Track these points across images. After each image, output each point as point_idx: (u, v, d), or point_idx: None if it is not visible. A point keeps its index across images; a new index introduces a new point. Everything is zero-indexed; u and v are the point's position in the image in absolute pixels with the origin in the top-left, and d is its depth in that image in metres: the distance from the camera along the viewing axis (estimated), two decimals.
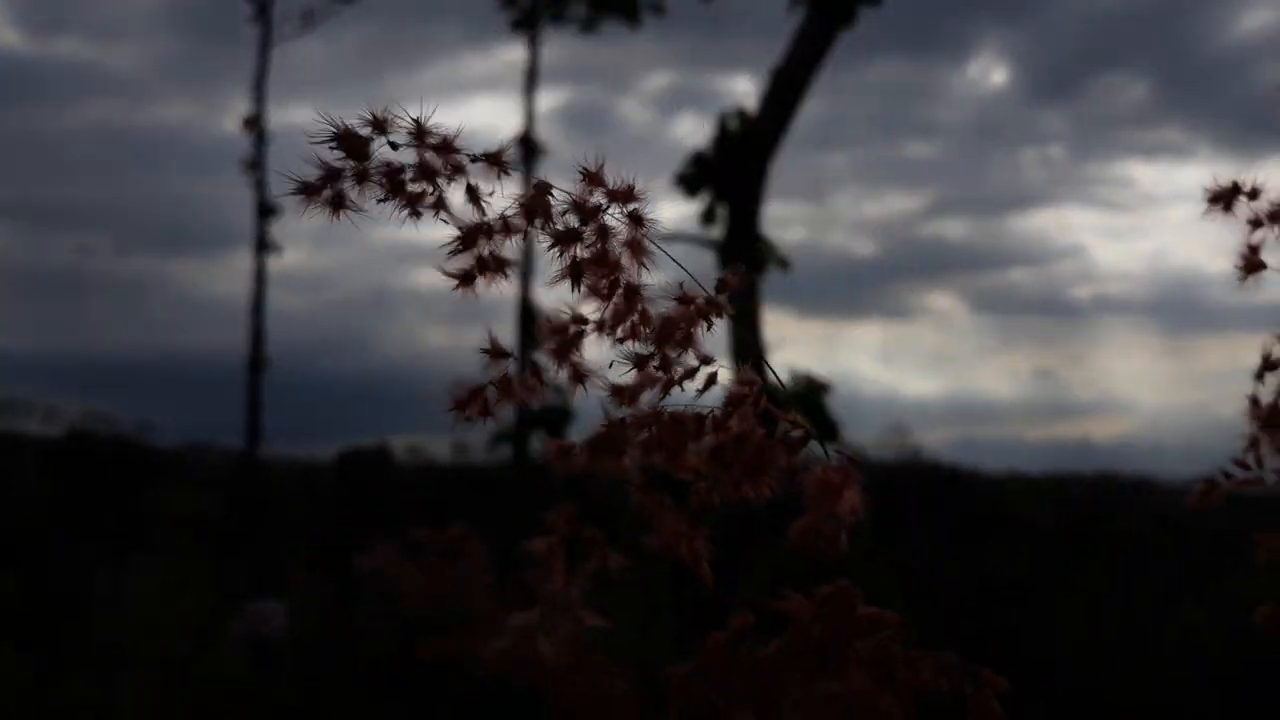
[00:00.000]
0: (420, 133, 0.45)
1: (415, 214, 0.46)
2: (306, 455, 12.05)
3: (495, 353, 0.50)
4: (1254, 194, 0.57)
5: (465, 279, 0.48)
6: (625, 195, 0.47)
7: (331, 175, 0.43)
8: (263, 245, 5.40)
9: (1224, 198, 0.61)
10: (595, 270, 0.47)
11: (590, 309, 0.48)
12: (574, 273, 0.47)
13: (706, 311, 0.49)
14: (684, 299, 0.48)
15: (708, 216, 4.01)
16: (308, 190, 0.43)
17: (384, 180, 0.44)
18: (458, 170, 0.47)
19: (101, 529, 8.12)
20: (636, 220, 0.47)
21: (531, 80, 5.70)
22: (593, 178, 0.46)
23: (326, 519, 8.83)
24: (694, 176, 4.03)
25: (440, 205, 0.45)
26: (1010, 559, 6.02)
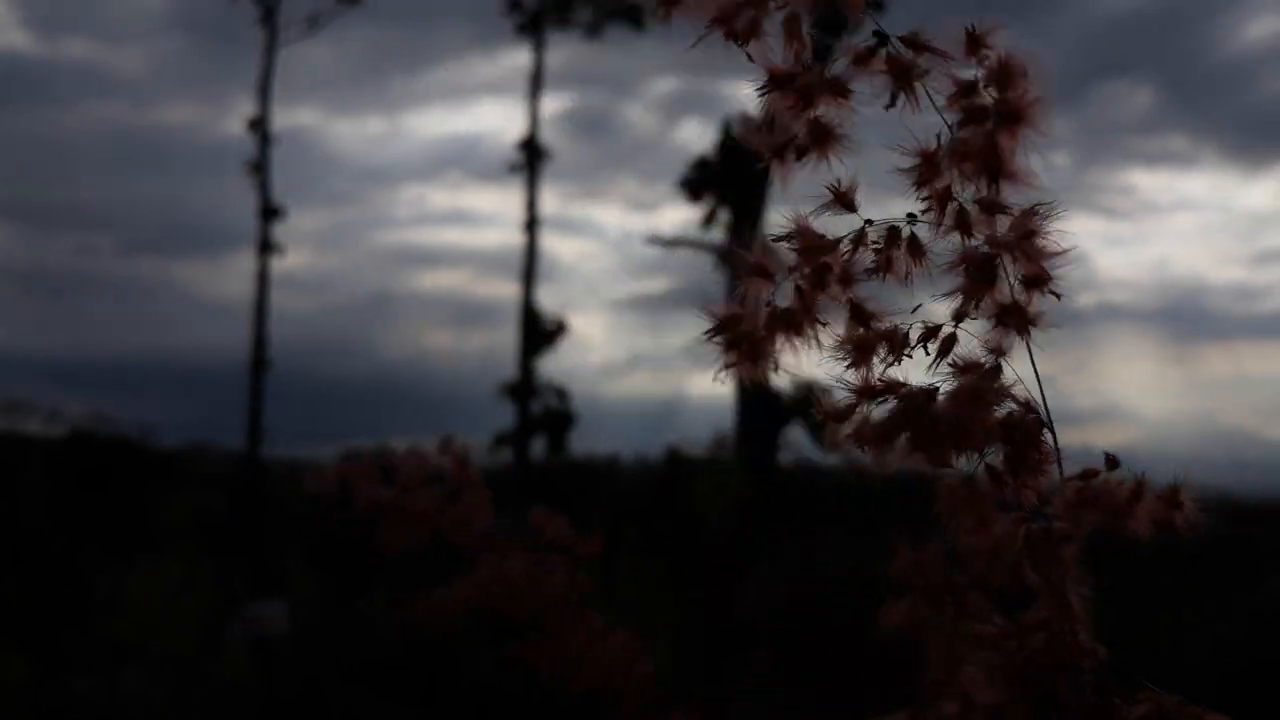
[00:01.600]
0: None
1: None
2: (308, 456, 12.06)
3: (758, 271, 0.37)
4: None
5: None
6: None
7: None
8: (266, 247, 5.41)
9: None
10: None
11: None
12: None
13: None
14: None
15: (710, 221, 4.01)
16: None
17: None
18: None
19: (104, 529, 8.13)
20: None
21: (536, 84, 5.72)
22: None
23: (328, 520, 8.83)
24: (697, 181, 4.04)
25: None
26: None
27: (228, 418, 5.33)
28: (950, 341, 0.38)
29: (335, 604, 6.59)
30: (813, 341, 0.38)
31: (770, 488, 3.60)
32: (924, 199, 0.37)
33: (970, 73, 0.36)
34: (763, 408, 3.61)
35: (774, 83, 0.35)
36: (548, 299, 6.33)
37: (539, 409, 5.59)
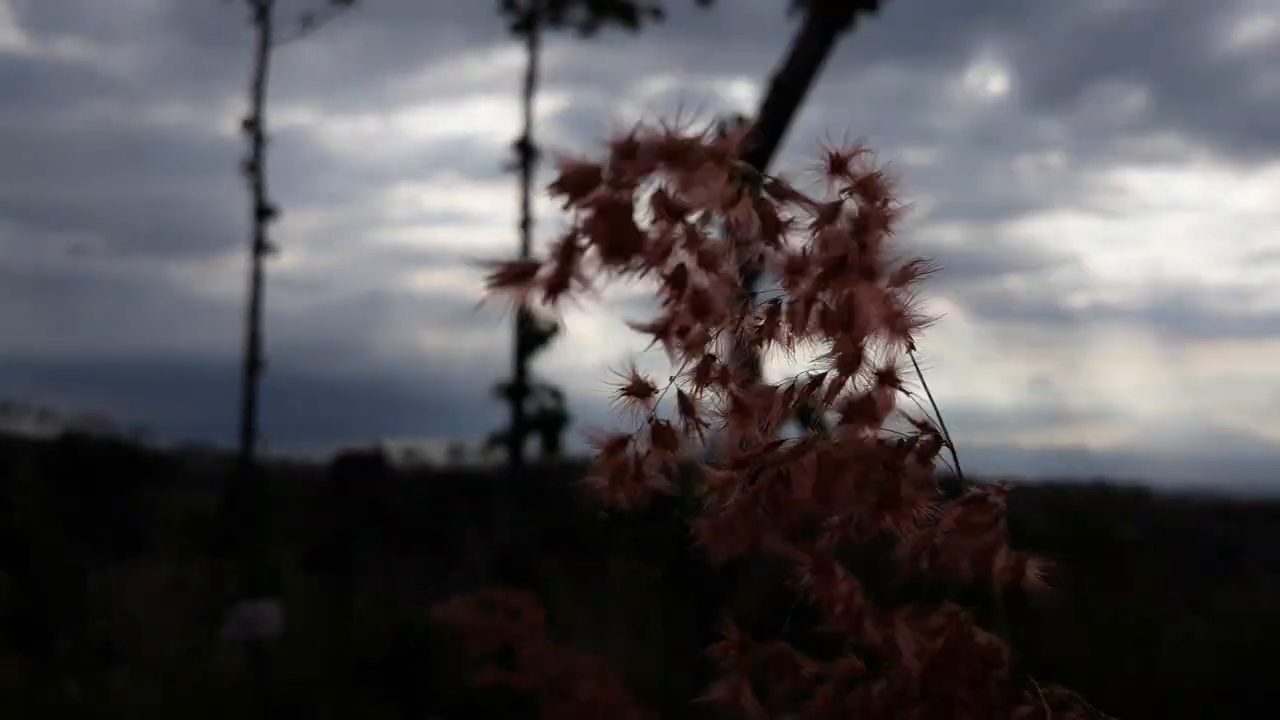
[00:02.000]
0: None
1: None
2: (303, 457, 12.06)
3: (636, 391, 0.40)
4: None
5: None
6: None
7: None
8: (260, 247, 5.39)
9: None
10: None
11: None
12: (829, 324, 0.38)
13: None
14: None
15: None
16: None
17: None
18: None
19: (96, 530, 8.11)
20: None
21: (531, 84, 5.71)
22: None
23: (322, 521, 8.82)
24: None
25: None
26: None
27: (221, 418, 5.31)
28: (837, 386, 0.40)
29: (328, 605, 6.58)
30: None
31: None
32: (791, 301, 0.39)
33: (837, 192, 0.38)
34: None
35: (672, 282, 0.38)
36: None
37: (533, 409, 5.58)
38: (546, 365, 5.63)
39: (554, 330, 5.71)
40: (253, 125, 5.37)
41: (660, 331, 0.39)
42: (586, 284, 0.35)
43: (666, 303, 0.38)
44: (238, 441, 5.20)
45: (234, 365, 5.23)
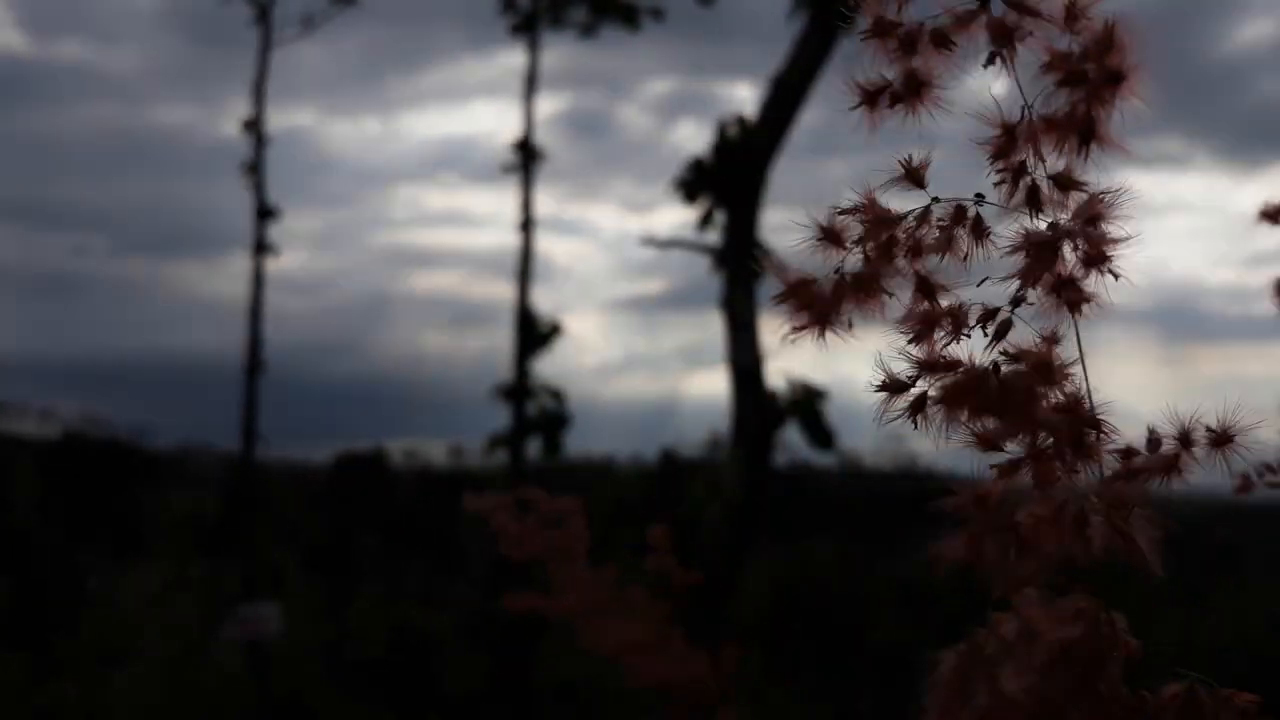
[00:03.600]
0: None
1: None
2: (303, 458, 12.05)
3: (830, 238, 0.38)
4: None
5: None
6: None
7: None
8: (261, 248, 5.38)
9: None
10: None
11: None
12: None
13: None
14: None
15: (706, 222, 4.00)
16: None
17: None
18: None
19: (96, 531, 8.10)
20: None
21: (531, 85, 5.70)
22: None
23: (322, 522, 8.81)
24: (693, 182, 4.03)
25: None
26: None
27: (221, 419, 5.31)
28: (1006, 326, 0.37)
29: (328, 606, 6.57)
30: (880, 310, 0.38)
31: (764, 489, 3.59)
32: (999, 172, 0.37)
33: (1066, 43, 0.36)
34: (758, 409, 3.59)
35: (878, 28, 0.35)
36: (543, 300, 6.31)
37: (534, 410, 5.57)
38: (547, 366, 5.63)
39: (554, 331, 5.70)
40: (253, 126, 5.37)
41: (870, 97, 0.36)
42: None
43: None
44: (238, 442, 5.20)
45: (234, 366, 5.22)
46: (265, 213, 5.41)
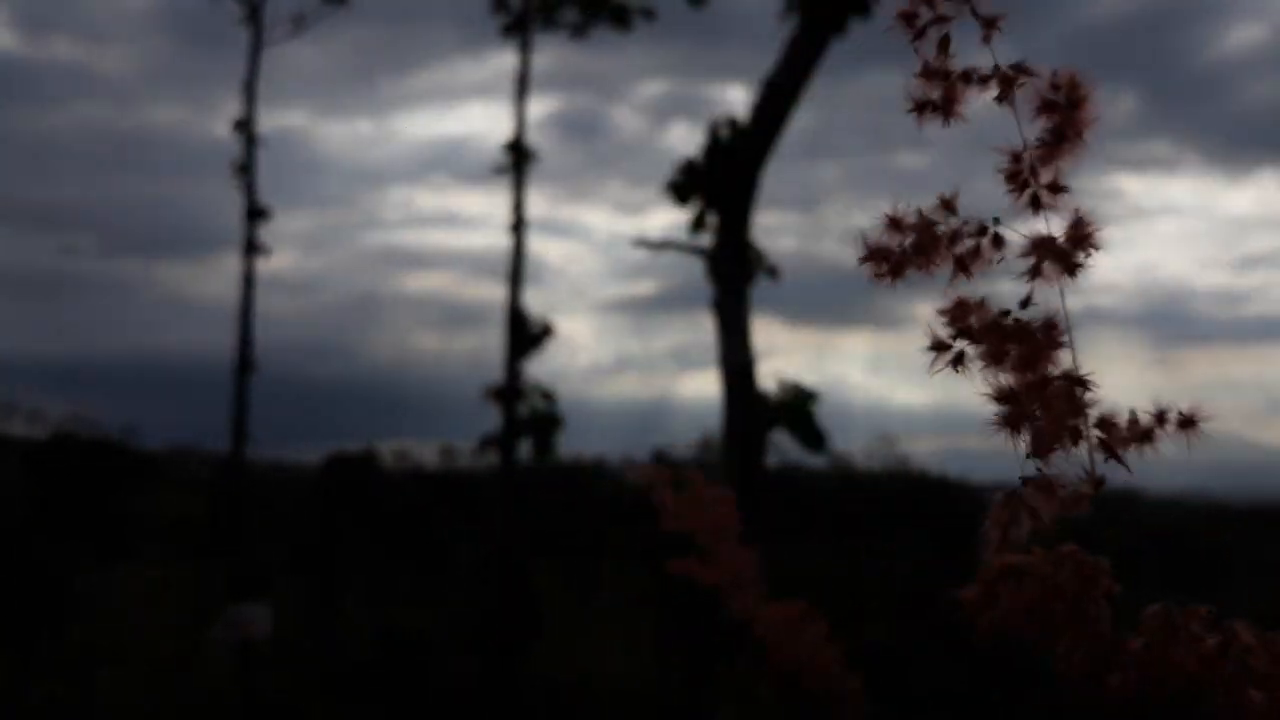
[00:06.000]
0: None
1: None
2: (293, 459, 12.02)
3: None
4: None
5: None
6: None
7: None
8: (251, 248, 5.37)
9: None
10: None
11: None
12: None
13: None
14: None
15: (698, 224, 4.00)
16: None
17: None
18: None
19: (84, 531, 8.07)
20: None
21: (523, 86, 5.70)
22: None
23: (312, 523, 8.79)
24: (684, 184, 4.02)
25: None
26: None
27: (211, 420, 5.29)
28: (1028, 299, 0.51)
29: (318, 607, 6.56)
30: (931, 274, 0.51)
31: (756, 491, 3.59)
32: (1010, 191, 0.51)
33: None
34: (749, 410, 3.59)
35: (927, 73, 0.51)
36: (535, 301, 6.30)
37: (525, 412, 5.56)
38: (539, 368, 5.63)
39: (546, 333, 5.70)
40: (244, 126, 5.35)
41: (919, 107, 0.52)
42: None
43: None
44: (227, 443, 5.18)
45: (225, 366, 5.21)
46: (256, 213, 5.39)
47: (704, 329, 3.81)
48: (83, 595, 6.35)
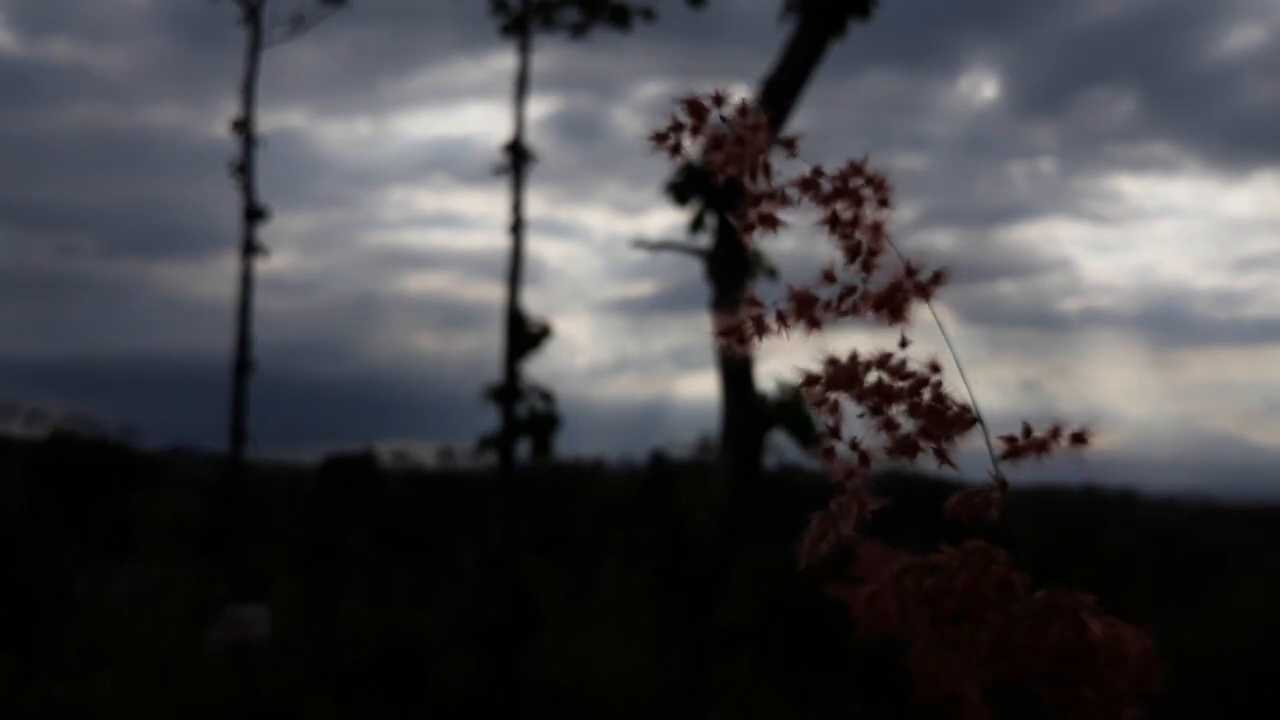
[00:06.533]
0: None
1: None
2: (292, 459, 12.03)
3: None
4: None
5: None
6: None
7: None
8: (249, 248, 5.37)
9: None
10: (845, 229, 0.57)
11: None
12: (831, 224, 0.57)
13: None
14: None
15: (697, 225, 4.01)
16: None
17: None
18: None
19: (84, 532, 8.07)
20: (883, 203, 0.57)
21: (522, 87, 5.70)
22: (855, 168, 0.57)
23: (311, 523, 8.80)
24: (684, 185, 4.03)
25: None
26: None
27: (210, 420, 5.29)
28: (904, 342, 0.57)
29: (317, 607, 6.56)
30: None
31: (754, 491, 3.59)
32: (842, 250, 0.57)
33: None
34: (747, 411, 3.60)
35: (751, 200, 0.58)
36: (534, 302, 6.30)
37: (524, 412, 5.57)
38: (537, 368, 5.64)
39: (545, 333, 5.71)
40: (243, 126, 5.36)
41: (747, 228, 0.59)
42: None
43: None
44: (226, 443, 5.18)
45: (223, 367, 5.21)
46: (254, 213, 5.39)
47: (702, 330, 3.81)
48: (82, 595, 6.36)
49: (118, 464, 9.96)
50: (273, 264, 5.55)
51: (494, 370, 5.60)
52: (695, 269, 3.95)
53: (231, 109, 5.40)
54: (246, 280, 5.34)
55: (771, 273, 4.04)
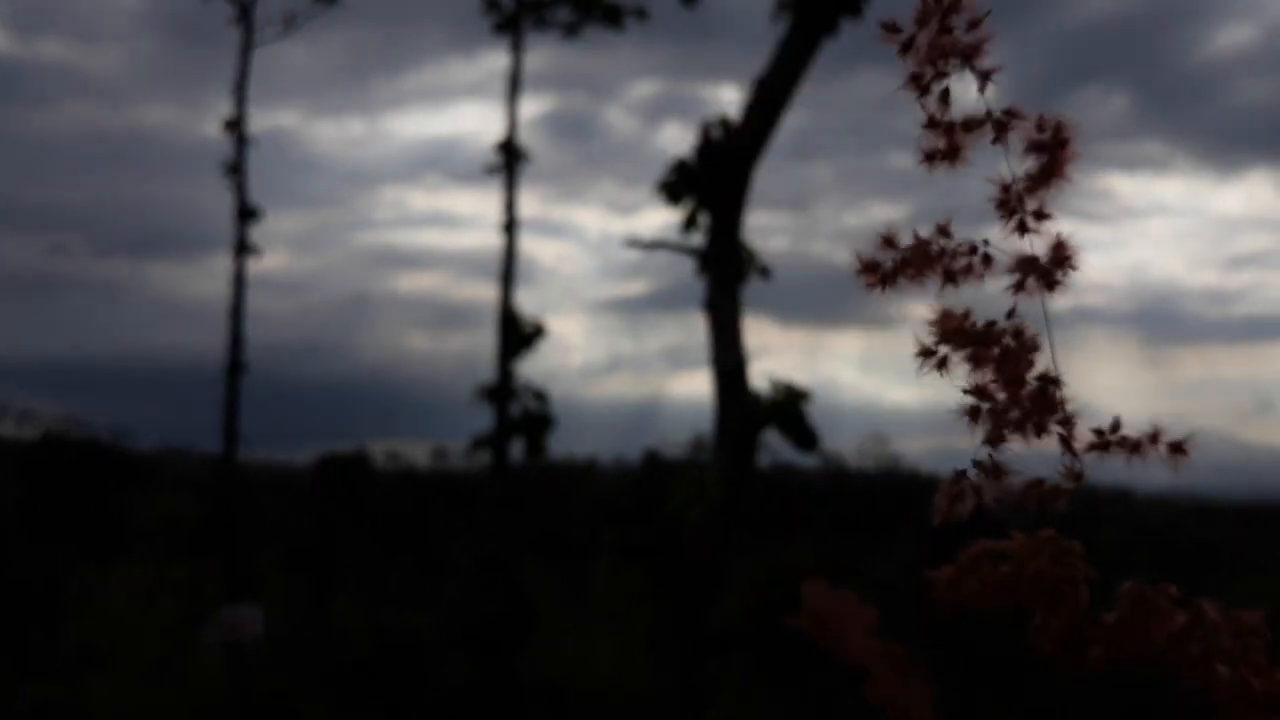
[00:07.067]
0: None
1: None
2: (285, 459, 12.01)
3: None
4: None
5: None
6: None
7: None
8: (242, 248, 5.36)
9: None
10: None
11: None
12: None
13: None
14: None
15: (690, 224, 4.01)
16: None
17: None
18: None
19: (76, 532, 8.05)
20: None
21: (515, 86, 5.70)
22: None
23: (304, 523, 8.78)
24: (677, 184, 4.03)
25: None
26: None
27: (203, 420, 5.28)
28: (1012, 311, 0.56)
29: (311, 608, 6.55)
30: (921, 285, 0.56)
31: (748, 490, 3.60)
32: (1000, 216, 0.57)
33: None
34: (741, 410, 3.60)
35: (932, 124, 0.57)
36: (527, 301, 6.30)
37: (517, 411, 5.56)
38: (531, 368, 5.64)
39: (538, 333, 5.70)
40: (235, 126, 5.34)
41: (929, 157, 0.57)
42: None
43: None
44: (219, 444, 5.17)
45: (216, 367, 5.20)
46: (247, 213, 5.38)
47: (696, 329, 3.82)
48: (75, 597, 6.34)
49: (110, 464, 9.93)
50: (265, 264, 5.53)
51: (487, 370, 5.60)
52: (688, 268, 3.95)
53: (223, 109, 5.39)
54: (239, 280, 5.32)
55: (764, 272, 4.04)
